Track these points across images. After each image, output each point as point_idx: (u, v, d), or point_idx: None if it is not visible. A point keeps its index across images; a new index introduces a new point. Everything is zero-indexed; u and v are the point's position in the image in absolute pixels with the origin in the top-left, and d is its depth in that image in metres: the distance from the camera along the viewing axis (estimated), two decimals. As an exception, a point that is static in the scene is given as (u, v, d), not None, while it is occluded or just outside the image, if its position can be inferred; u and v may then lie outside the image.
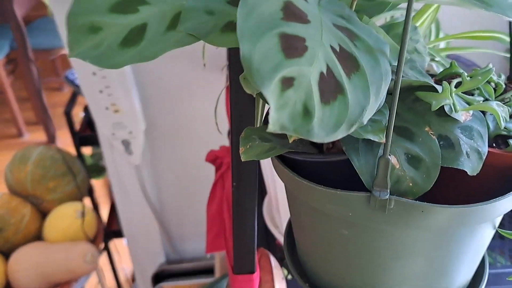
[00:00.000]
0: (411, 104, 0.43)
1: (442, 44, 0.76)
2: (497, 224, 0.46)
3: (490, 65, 0.41)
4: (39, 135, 2.92)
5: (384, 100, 0.39)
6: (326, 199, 0.42)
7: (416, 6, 0.71)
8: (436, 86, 0.41)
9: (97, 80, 1.16)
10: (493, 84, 0.46)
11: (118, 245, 1.84)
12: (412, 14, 0.67)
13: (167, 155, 1.41)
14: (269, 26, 0.31)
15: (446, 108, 0.40)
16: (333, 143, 0.46)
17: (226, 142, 1.04)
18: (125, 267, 1.93)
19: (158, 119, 1.32)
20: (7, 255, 1.44)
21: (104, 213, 1.76)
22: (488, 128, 0.42)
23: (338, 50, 0.34)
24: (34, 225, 1.50)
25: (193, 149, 1.36)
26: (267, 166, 0.89)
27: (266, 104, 0.50)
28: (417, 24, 0.65)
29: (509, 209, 0.41)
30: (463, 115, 0.40)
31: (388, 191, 0.38)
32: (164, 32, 0.35)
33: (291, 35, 0.32)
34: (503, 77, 0.47)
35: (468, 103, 0.41)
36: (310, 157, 0.43)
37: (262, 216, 0.99)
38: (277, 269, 0.72)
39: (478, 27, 0.64)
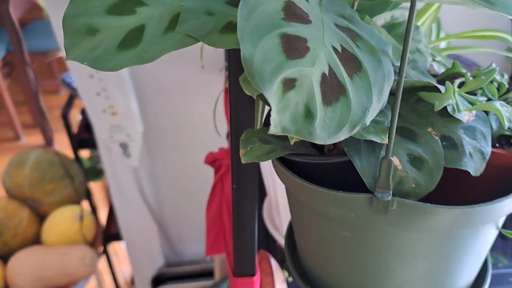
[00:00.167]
0: (414, 105, 0.42)
1: (442, 44, 0.75)
2: (501, 225, 0.45)
3: (493, 65, 0.41)
4: (36, 138, 2.91)
5: (386, 101, 0.38)
6: (328, 201, 0.41)
7: (417, 5, 0.71)
8: (439, 87, 0.41)
9: (94, 82, 1.15)
10: (496, 84, 0.46)
11: (117, 248, 1.83)
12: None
13: (165, 158, 1.40)
14: (270, 27, 0.30)
15: (449, 109, 0.39)
16: (334, 144, 0.45)
17: (225, 144, 1.04)
18: (124, 270, 1.92)
19: (156, 122, 1.31)
20: (5, 259, 1.44)
21: (103, 216, 1.75)
22: (491, 128, 0.42)
23: (340, 50, 0.34)
24: (32, 228, 1.49)
25: (192, 151, 1.36)
26: (267, 167, 0.89)
27: (266, 106, 0.49)
28: (418, 24, 0.64)
29: (513, 210, 0.41)
30: (466, 116, 0.40)
31: (391, 192, 0.38)
32: (162, 33, 0.35)
33: (293, 36, 0.31)
34: (506, 76, 0.47)
35: (471, 103, 0.41)
36: (311, 158, 0.43)
37: (262, 218, 0.99)
38: (278, 272, 0.72)
39: (479, 26, 0.64)
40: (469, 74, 0.41)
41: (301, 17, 0.33)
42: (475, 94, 0.44)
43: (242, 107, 0.50)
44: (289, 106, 0.29)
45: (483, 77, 0.39)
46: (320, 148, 0.46)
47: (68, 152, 1.58)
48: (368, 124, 0.32)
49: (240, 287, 0.67)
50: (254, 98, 0.46)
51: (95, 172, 1.82)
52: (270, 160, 0.48)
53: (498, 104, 0.39)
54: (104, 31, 0.34)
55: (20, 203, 1.49)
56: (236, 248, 0.63)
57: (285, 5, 0.32)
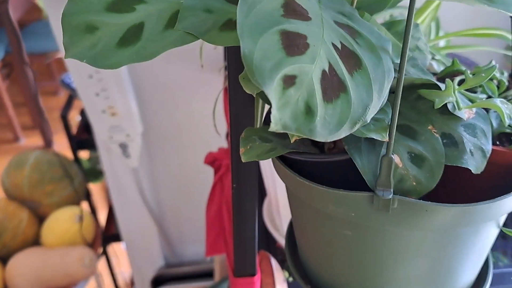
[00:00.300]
0: (414, 103, 0.42)
1: (441, 43, 0.75)
2: (502, 223, 0.45)
3: (493, 62, 0.41)
4: (36, 140, 2.90)
5: (387, 98, 0.38)
6: (329, 200, 0.41)
7: (416, 4, 0.71)
8: (439, 84, 0.40)
9: (93, 83, 1.15)
10: (495, 81, 0.46)
11: (117, 249, 1.83)
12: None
13: (165, 158, 1.40)
14: (269, 23, 0.30)
15: (449, 106, 0.39)
16: (335, 143, 0.45)
17: (224, 144, 1.04)
18: (123, 271, 1.92)
19: (155, 122, 1.31)
20: (5, 260, 1.43)
21: (102, 217, 1.75)
22: (492, 125, 0.41)
23: (339, 47, 0.33)
24: (31, 229, 1.49)
25: (191, 151, 1.36)
26: (266, 167, 0.88)
27: (265, 104, 0.49)
28: (417, 23, 0.64)
29: (514, 208, 0.41)
30: (466, 113, 0.40)
31: (392, 190, 0.37)
32: (161, 31, 0.34)
33: (292, 33, 0.31)
34: (505, 74, 0.47)
35: (471, 101, 0.41)
36: (311, 157, 0.43)
37: (262, 218, 0.99)
38: (278, 272, 0.72)
39: (479, 24, 0.64)
40: (468, 71, 0.40)
41: (300, 14, 0.33)
42: (475, 92, 0.44)
43: (241, 106, 0.50)
44: (290, 103, 0.29)
45: (483, 74, 0.39)
46: (320, 147, 0.46)
47: (68, 153, 1.58)
48: (368, 121, 0.32)
49: (240, 287, 0.67)
50: (254, 96, 0.46)
51: (94, 173, 1.82)
52: (270, 160, 0.47)
53: (499, 102, 0.39)
54: (103, 29, 0.34)
55: (20, 204, 1.49)
56: (236, 248, 0.63)
57: (284, 2, 0.32)
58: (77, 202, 1.56)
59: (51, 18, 1.11)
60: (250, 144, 0.43)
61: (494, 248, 0.85)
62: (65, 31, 0.34)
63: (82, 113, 1.55)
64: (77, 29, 0.34)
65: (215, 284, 1.13)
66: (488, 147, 0.39)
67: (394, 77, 0.36)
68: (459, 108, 0.39)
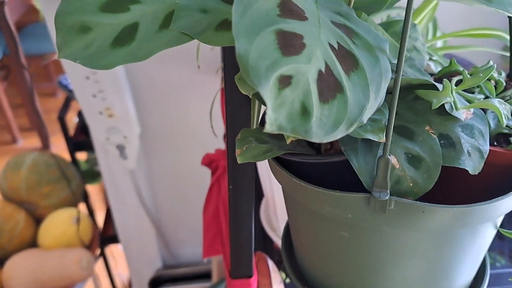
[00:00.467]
0: (411, 103, 0.42)
1: (439, 43, 0.75)
2: (499, 224, 0.45)
3: (491, 62, 0.40)
4: (33, 141, 2.89)
5: (384, 99, 0.38)
6: (325, 201, 0.41)
7: (414, 4, 0.71)
8: (436, 84, 0.40)
9: (90, 84, 1.14)
10: (493, 82, 0.46)
11: (115, 251, 1.82)
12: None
13: (162, 159, 1.39)
14: (265, 23, 0.30)
15: (447, 107, 0.39)
16: (331, 144, 0.45)
17: (221, 145, 1.03)
18: (121, 273, 1.91)
19: (152, 123, 1.31)
20: (1, 262, 1.43)
21: (100, 219, 1.74)
22: (489, 126, 0.41)
23: (336, 47, 0.33)
24: (28, 231, 1.48)
25: (189, 152, 1.35)
26: (263, 168, 0.88)
27: (262, 105, 0.49)
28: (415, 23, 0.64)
29: (510, 209, 0.40)
30: (464, 114, 0.40)
31: (388, 191, 0.37)
32: (156, 31, 0.34)
33: (288, 32, 0.31)
34: (503, 74, 0.46)
35: (469, 101, 0.40)
36: (307, 158, 0.42)
37: (259, 219, 0.98)
38: (275, 273, 0.71)
39: (476, 25, 0.64)
40: (466, 72, 0.40)
41: (297, 14, 0.33)
42: (472, 92, 0.43)
43: (238, 107, 0.49)
44: (285, 104, 0.29)
45: (481, 75, 0.38)
46: (317, 148, 0.46)
47: (65, 155, 1.57)
48: (365, 121, 0.32)
49: (237, 289, 0.66)
50: (250, 97, 0.46)
51: (92, 174, 1.81)
52: (267, 161, 0.47)
53: (496, 102, 0.38)
54: (97, 29, 0.34)
55: (17, 206, 1.48)
56: (233, 249, 0.63)
57: (280, 1, 0.32)
58: (74, 204, 1.55)
59: (48, 20, 1.11)
60: (246, 146, 0.43)
61: (491, 249, 0.84)
62: (59, 31, 0.33)
63: (80, 114, 1.55)
64: (70, 29, 0.33)
65: (212, 285, 1.13)
66: (486, 147, 0.39)
67: (391, 78, 0.36)
68: (456, 109, 0.39)
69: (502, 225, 0.87)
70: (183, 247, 1.62)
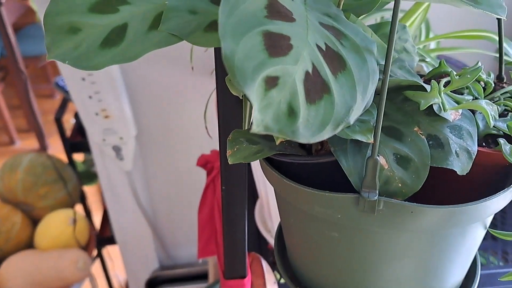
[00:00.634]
0: (400, 104, 0.42)
1: (432, 45, 0.76)
2: (488, 224, 0.45)
3: (479, 63, 0.41)
4: (31, 143, 2.90)
5: (372, 100, 0.38)
6: (315, 201, 0.41)
7: (406, 6, 0.71)
8: (425, 86, 0.40)
9: (87, 85, 1.14)
10: (482, 83, 0.46)
11: (112, 252, 1.82)
12: (401, 14, 0.67)
13: (158, 160, 1.39)
14: (252, 24, 0.30)
15: (435, 107, 0.39)
16: (322, 144, 0.45)
17: (217, 146, 1.03)
18: (118, 274, 1.91)
19: (149, 124, 1.31)
20: (-2, 263, 1.43)
21: (97, 220, 1.74)
22: (478, 127, 0.41)
23: (324, 49, 0.33)
24: (25, 232, 1.48)
25: (185, 153, 1.35)
26: (258, 169, 0.88)
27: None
28: (407, 24, 0.65)
29: (499, 209, 0.41)
30: (452, 114, 0.40)
31: (377, 192, 0.37)
32: (145, 32, 0.34)
33: (276, 34, 0.31)
34: (492, 75, 0.47)
35: (458, 102, 0.41)
36: (298, 159, 0.43)
37: (254, 220, 0.99)
38: (269, 273, 0.71)
39: (470, 26, 0.64)
40: (455, 73, 0.40)
41: (284, 15, 0.33)
42: (461, 93, 0.44)
43: (229, 108, 0.50)
44: (272, 105, 0.29)
45: (468, 76, 0.39)
46: (308, 149, 0.46)
47: (63, 156, 1.57)
48: (352, 122, 0.32)
49: (231, 290, 0.66)
50: (241, 98, 0.46)
51: (89, 175, 1.81)
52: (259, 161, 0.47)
53: (484, 103, 0.39)
54: (86, 30, 0.34)
55: (13, 207, 1.48)
56: (227, 250, 0.63)
57: (268, 3, 0.32)
58: (71, 205, 1.55)
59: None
60: (237, 146, 0.43)
61: (484, 249, 0.85)
62: (48, 32, 0.33)
63: (77, 115, 1.55)
64: (60, 30, 0.34)
65: (208, 286, 1.13)
66: (474, 148, 0.39)
67: (379, 79, 0.36)
68: (444, 110, 0.39)
69: (495, 226, 0.88)
70: (180, 248, 1.62)
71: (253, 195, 0.99)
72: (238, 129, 0.46)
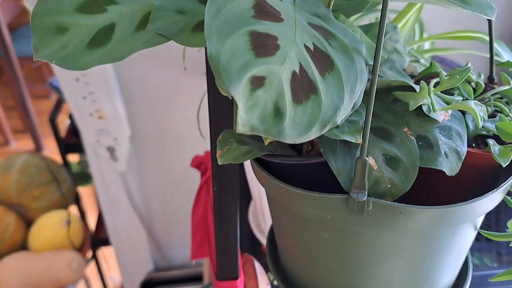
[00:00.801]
0: (390, 105, 0.42)
1: (427, 45, 0.76)
2: (479, 224, 0.45)
3: (469, 64, 0.41)
4: (26, 143, 2.89)
5: (361, 100, 0.38)
6: (304, 202, 0.41)
7: (399, 6, 0.71)
8: (415, 86, 0.40)
9: (81, 86, 1.14)
10: (473, 84, 0.46)
11: (108, 254, 1.82)
12: (394, 14, 0.67)
13: (153, 161, 1.39)
14: (238, 24, 0.30)
15: (424, 108, 0.39)
16: (312, 145, 0.45)
17: (211, 147, 1.03)
18: (114, 275, 1.91)
19: (143, 125, 1.30)
20: (-9, 265, 1.42)
21: (93, 221, 1.74)
22: (468, 128, 0.41)
23: (312, 49, 0.33)
24: (19, 234, 1.48)
25: (180, 154, 1.35)
26: (252, 170, 0.88)
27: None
28: (400, 25, 0.65)
29: (488, 209, 0.40)
30: (441, 115, 0.40)
31: (366, 192, 0.37)
32: (133, 32, 0.34)
33: (263, 34, 0.31)
34: (482, 76, 0.47)
35: (447, 103, 0.41)
36: (287, 159, 0.42)
37: (248, 222, 0.98)
38: (262, 275, 0.71)
39: (465, 27, 0.64)
40: (444, 74, 0.40)
41: (272, 15, 0.33)
42: (452, 94, 0.44)
43: (220, 109, 0.50)
44: (258, 105, 0.29)
45: (457, 76, 0.39)
46: (299, 149, 0.46)
47: (58, 156, 1.57)
48: (339, 122, 0.32)
49: (224, 291, 0.66)
50: (231, 98, 0.46)
51: (84, 176, 1.81)
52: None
53: (473, 104, 0.39)
54: (74, 30, 0.34)
55: (7, 209, 1.47)
56: (219, 251, 0.63)
57: (255, 2, 0.32)
58: (65, 206, 1.55)
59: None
60: (227, 147, 0.43)
61: (479, 251, 0.85)
62: (35, 32, 0.33)
63: (71, 116, 1.54)
64: (47, 30, 0.33)
65: (202, 287, 1.13)
66: (463, 149, 0.39)
67: (369, 79, 0.36)
68: (434, 110, 0.39)
69: (489, 227, 0.88)
70: (175, 249, 1.62)
71: (247, 197, 0.98)
72: (228, 129, 0.46)
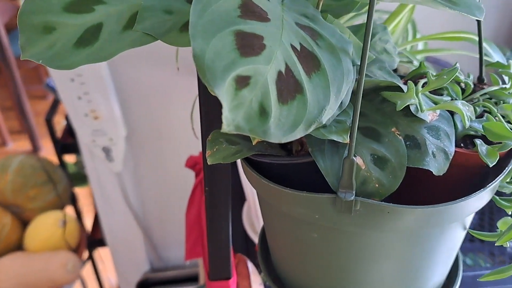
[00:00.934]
0: (379, 105, 0.42)
1: (420, 46, 0.76)
2: (468, 224, 0.45)
3: (457, 65, 0.41)
4: (23, 144, 2.88)
5: (348, 100, 0.38)
6: (293, 202, 0.41)
7: (391, 7, 0.71)
8: (403, 87, 0.41)
9: (76, 86, 1.14)
10: (463, 84, 0.46)
11: (104, 255, 1.81)
12: (386, 15, 0.67)
13: (148, 162, 1.39)
14: (224, 24, 0.30)
15: (412, 108, 0.39)
16: (302, 145, 0.45)
17: (206, 148, 1.03)
18: (110, 276, 1.91)
19: (138, 125, 1.30)
20: (-13, 265, 1.42)
21: (89, 222, 1.73)
22: (457, 128, 0.42)
23: (299, 49, 0.33)
24: (15, 234, 1.47)
25: (175, 154, 1.35)
26: (245, 171, 0.88)
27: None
28: (392, 25, 0.65)
29: (476, 209, 0.41)
30: (429, 115, 0.40)
31: (354, 192, 0.37)
32: (120, 31, 0.34)
33: (248, 33, 0.31)
34: (471, 77, 0.47)
35: (435, 103, 0.41)
36: (276, 159, 0.43)
37: (241, 222, 0.98)
38: (255, 275, 0.71)
39: (457, 28, 0.64)
40: (432, 74, 0.41)
41: (259, 15, 0.33)
42: (441, 95, 0.44)
43: (211, 108, 0.50)
44: (243, 104, 0.29)
45: (445, 77, 0.39)
46: (288, 149, 0.46)
47: (55, 157, 1.57)
48: (324, 122, 0.32)
49: (217, 291, 0.66)
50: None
51: (81, 177, 1.81)
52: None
53: (460, 104, 0.39)
54: (61, 29, 0.34)
55: (3, 209, 1.47)
56: (211, 251, 0.63)
57: (242, 2, 0.32)
58: (61, 207, 1.55)
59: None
60: (217, 147, 0.43)
61: (472, 251, 0.85)
62: (22, 31, 0.33)
63: (67, 117, 1.54)
64: (34, 29, 0.33)
65: (197, 288, 1.13)
66: (451, 149, 0.39)
67: (357, 79, 0.36)
68: (421, 110, 0.39)
69: (482, 227, 0.88)
70: (171, 249, 1.62)
71: (241, 197, 0.98)
72: (218, 129, 0.46)
